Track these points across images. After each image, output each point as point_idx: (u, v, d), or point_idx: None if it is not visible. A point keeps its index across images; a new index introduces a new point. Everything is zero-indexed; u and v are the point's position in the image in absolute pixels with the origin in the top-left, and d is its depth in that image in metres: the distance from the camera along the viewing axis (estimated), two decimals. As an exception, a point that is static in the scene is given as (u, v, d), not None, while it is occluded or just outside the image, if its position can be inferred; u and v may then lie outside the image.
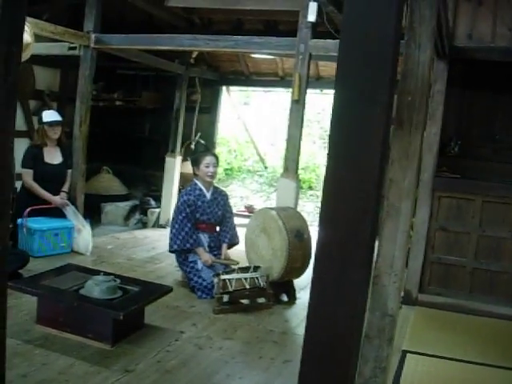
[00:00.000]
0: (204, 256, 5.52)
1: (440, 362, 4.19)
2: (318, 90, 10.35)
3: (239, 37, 6.53)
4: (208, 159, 5.74)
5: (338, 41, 1.81)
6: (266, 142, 13.79)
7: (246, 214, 9.07)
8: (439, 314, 5.36)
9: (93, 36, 6.89)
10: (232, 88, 11.28)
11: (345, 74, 1.76)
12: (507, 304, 5.43)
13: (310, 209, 11.35)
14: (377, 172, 1.75)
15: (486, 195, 5.48)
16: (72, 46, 6.88)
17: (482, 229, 5.50)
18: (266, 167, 13.27)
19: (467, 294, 5.55)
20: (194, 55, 8.97)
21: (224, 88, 10.64)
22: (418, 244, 5.54)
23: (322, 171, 12.48)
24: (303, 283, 5.64)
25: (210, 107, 10.22)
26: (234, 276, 5.10)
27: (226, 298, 5.00)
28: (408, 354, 4.24)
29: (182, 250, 5.53)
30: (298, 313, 5.18)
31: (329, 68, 9.01)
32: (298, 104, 6.12)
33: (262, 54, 7.65)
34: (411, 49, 2.80)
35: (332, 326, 1.86)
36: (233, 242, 5.91)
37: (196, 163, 5.78)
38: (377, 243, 2.64)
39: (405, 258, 2.93)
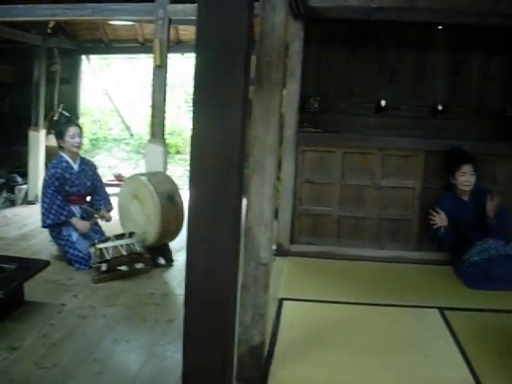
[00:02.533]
0: (80, 224, 5.49)
1: (315, 306, 4.45)
2: (179, 54, 10.37)
3: (97, 4, 6.45)
4: (72, 130, 5.66)
5: (196, 5, 1.90)
6: (131, 110, 13.66)
7: (116, 182, 9.04)
8: (311, 262, 5.63)
9: None
10: (92, 56, 11.09)
11: (204, 37, 1.87)
12: (372, 246, 5.83)
13: (180, 173, 11.44)
14: (239, 128, 1.89)
15: (346, 147, 5.79)
16: None
17: (345, 179, 5.81)
18: (131, 135, 13.20)
19: (335, 240, 5.88)
20: (51, 25, 8.71)
21: (84, 57, 10.45)
22: (286, 198, 5.76)
23: (189, 135, 12.55)
24: (179, 245, 5.74)
25: (71, 77, 10.04)
26: (110, 244, 5.13)
27: (104, 266, 5.02)
28: (285, 301, 4.48)
29: (57, 224, 5.47)
30: (176, 274, 5.29)
31: (189, 32, 9.05)
32: (161, 69, 6.18)
33: (121, 20, 7.58)
34: (266, 11, 2.92)
35: (210, 275, 2.00)
36: (108, 208, 5.89)
37: (60, 135, 5.68)
38: (246, 199, 2.78)
39: (273, 209, 3.10)
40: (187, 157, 12.02)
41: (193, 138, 1.91)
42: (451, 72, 6.23)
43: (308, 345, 3.71)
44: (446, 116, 6.19)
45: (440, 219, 5.32)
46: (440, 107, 6.16)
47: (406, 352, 3.68)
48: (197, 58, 1.86)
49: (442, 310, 4.41)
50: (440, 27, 6.08)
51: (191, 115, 1.92)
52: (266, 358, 3.44)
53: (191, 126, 1.90)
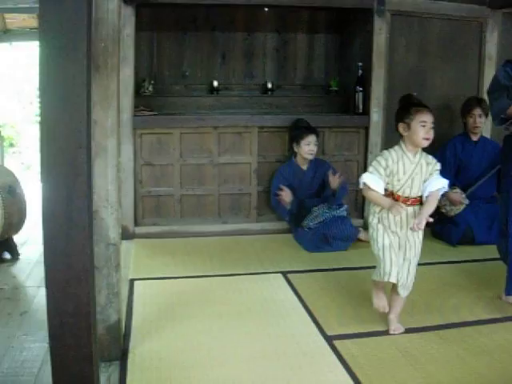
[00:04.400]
0: None
1: (165, 283, 4.60)
2: (7, 44, 9.99)
3: None
4: None
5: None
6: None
7: None
8: (157, 242, 5.75)
9: None
10: None
11: (46, 25, 1.95)
12: (213, 222, 6.05)
13: (15, 165, 11.08)
14: (85, 112, 2.00)
15: (183, 127, 5.91)
16: None
17: (184, 159, 5.94)
18: (-42, 131, 12.59)
19: (179, 219, 6.01)
20: None
21: None
22: (127, 181, 5.78)
23: (22, 127, 12.20)
24: (23, 238, 5.67)
25: None
26: (-49, 243, 4.99)
27: None
28: (135, 281, 4.58)
29: None
30: (24, 267, 5.21)
31: (17, 20, 8.75)
32: (-11, 60, 6.01)
33: None
34: (100, -2, 3.01)
35: (67, 253, 2.10)
36: None
37: None
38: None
39: (117, 191, 3.20)
40: (21, 149, 11.70)
41: (42, 123, 1.99)
42: (279, 51, 6.60)
43: (163, 319, 3.86)
44: (276, 93, 6.55)
45: (286, 195, 5.67)
46: (270, 85, 6.52)
47: (256, 315, 3.94)
48: (41, 46, 1.93)
49: (285, 274, 4.74)
50: (266, 9, 6.40)
51: (35, 103, 2.01)
52: (124, 336, 3.55)
53: (39, 112, 1.97)
